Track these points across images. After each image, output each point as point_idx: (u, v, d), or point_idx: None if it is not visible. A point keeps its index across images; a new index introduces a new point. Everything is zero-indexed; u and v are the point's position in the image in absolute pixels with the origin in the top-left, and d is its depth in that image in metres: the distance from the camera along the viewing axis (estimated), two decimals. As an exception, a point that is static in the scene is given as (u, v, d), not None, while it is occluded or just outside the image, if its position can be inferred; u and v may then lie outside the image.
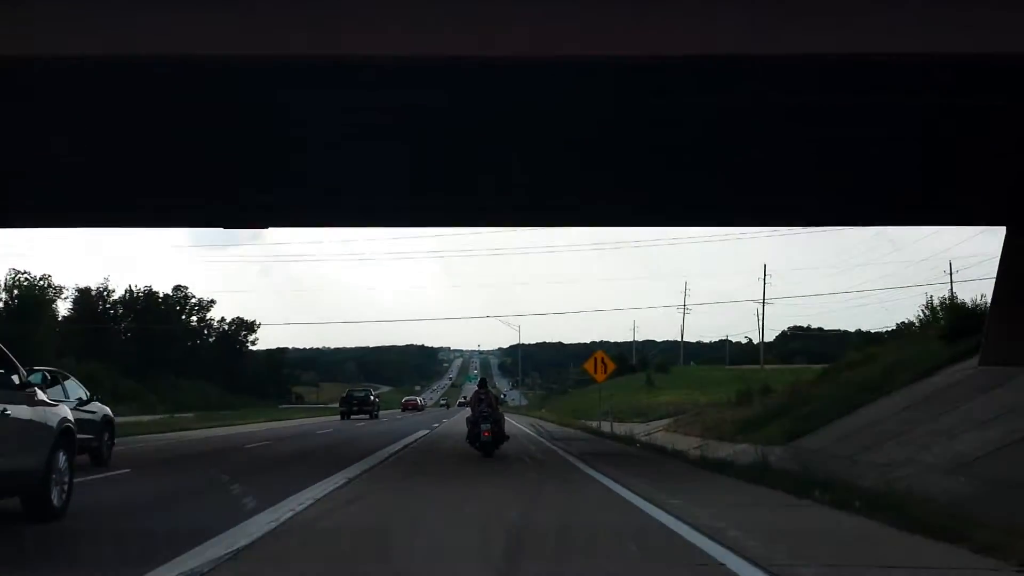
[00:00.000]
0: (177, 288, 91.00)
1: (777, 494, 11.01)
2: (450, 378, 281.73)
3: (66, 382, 15.83)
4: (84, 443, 13.66)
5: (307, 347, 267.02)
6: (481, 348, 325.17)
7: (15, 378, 8.12)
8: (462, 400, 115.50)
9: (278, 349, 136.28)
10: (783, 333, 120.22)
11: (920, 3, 10.07)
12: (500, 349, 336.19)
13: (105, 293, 79.44)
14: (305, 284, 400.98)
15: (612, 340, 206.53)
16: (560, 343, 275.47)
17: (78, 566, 6.78)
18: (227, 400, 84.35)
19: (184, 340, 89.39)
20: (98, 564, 6.64)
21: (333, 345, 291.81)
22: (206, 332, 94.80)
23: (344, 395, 54.13)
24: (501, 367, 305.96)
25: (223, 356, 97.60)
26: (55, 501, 8.38)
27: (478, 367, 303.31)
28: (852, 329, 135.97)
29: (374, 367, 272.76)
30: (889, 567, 6.59)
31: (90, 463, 15.16)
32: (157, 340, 79.61)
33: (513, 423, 38.14)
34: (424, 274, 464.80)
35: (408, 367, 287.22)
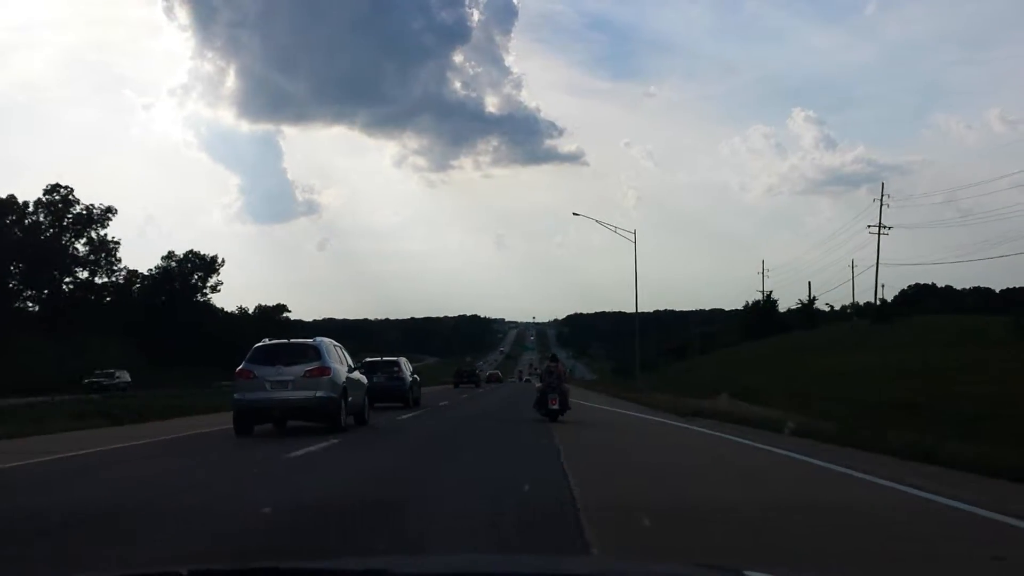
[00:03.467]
0: (54, 188, 60.60)
1: None
2: (502, 350, 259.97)
3: (406, 363, 33.03)
4: (416, 396, 31.85)
5: (353, 318, 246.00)
6: (536, 319, 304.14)
7: (352, 363, 20.60)
8: (522, 374, 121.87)
9: (277, 306, 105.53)
10: (904, 291, 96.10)
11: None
12: (555, 320, 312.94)
13: None
14: (359, 256, 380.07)
15: (709, 307, 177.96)
16: (621, 312, 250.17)
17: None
18: (157, 373, 60.86)
19: (59, 273, 64.48)
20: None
21: (382, 316, 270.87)
22: (99, 261, 63.61)
23: (457, 369, 74.88)
24: (559, 337, 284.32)
25: (146, 307, 73.04)
26: (366, 417, 20.78)
27: (534, 337, 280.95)
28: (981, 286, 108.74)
29: (422, 337, 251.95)
30: None
31: (413, 405, 30.76)
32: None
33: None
34: (479, 244, 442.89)
35: (457, 337, 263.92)
